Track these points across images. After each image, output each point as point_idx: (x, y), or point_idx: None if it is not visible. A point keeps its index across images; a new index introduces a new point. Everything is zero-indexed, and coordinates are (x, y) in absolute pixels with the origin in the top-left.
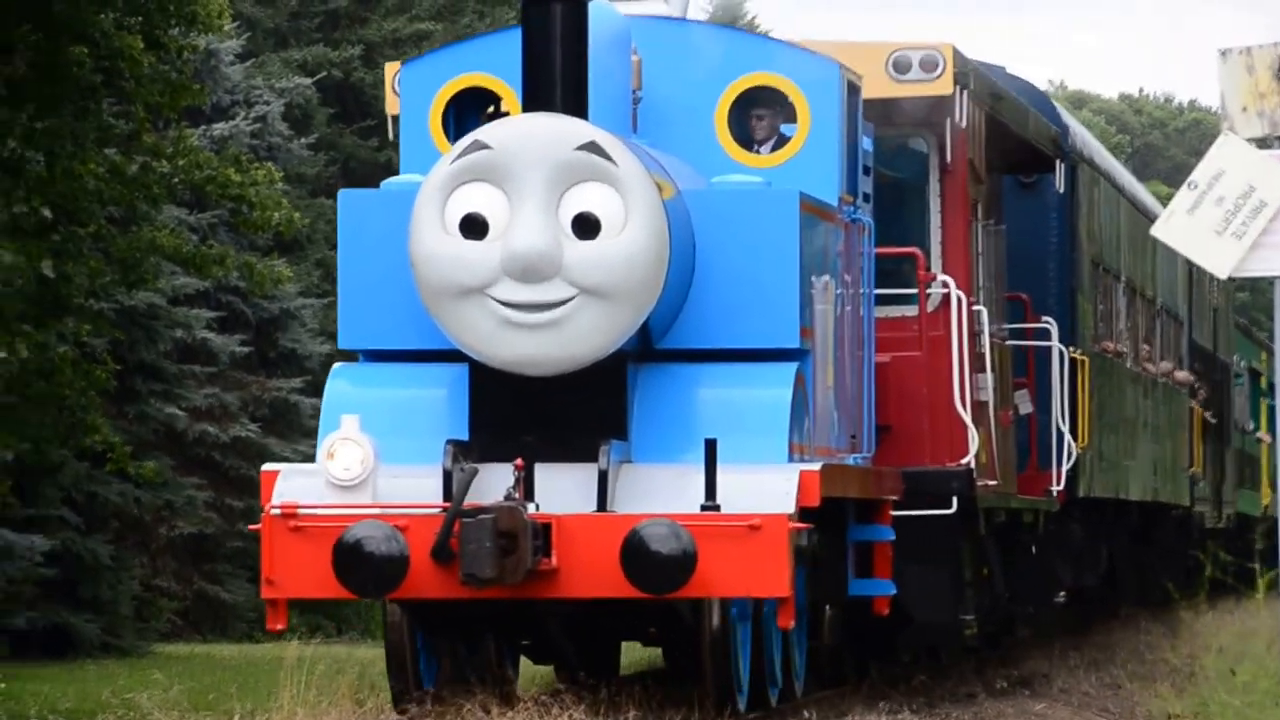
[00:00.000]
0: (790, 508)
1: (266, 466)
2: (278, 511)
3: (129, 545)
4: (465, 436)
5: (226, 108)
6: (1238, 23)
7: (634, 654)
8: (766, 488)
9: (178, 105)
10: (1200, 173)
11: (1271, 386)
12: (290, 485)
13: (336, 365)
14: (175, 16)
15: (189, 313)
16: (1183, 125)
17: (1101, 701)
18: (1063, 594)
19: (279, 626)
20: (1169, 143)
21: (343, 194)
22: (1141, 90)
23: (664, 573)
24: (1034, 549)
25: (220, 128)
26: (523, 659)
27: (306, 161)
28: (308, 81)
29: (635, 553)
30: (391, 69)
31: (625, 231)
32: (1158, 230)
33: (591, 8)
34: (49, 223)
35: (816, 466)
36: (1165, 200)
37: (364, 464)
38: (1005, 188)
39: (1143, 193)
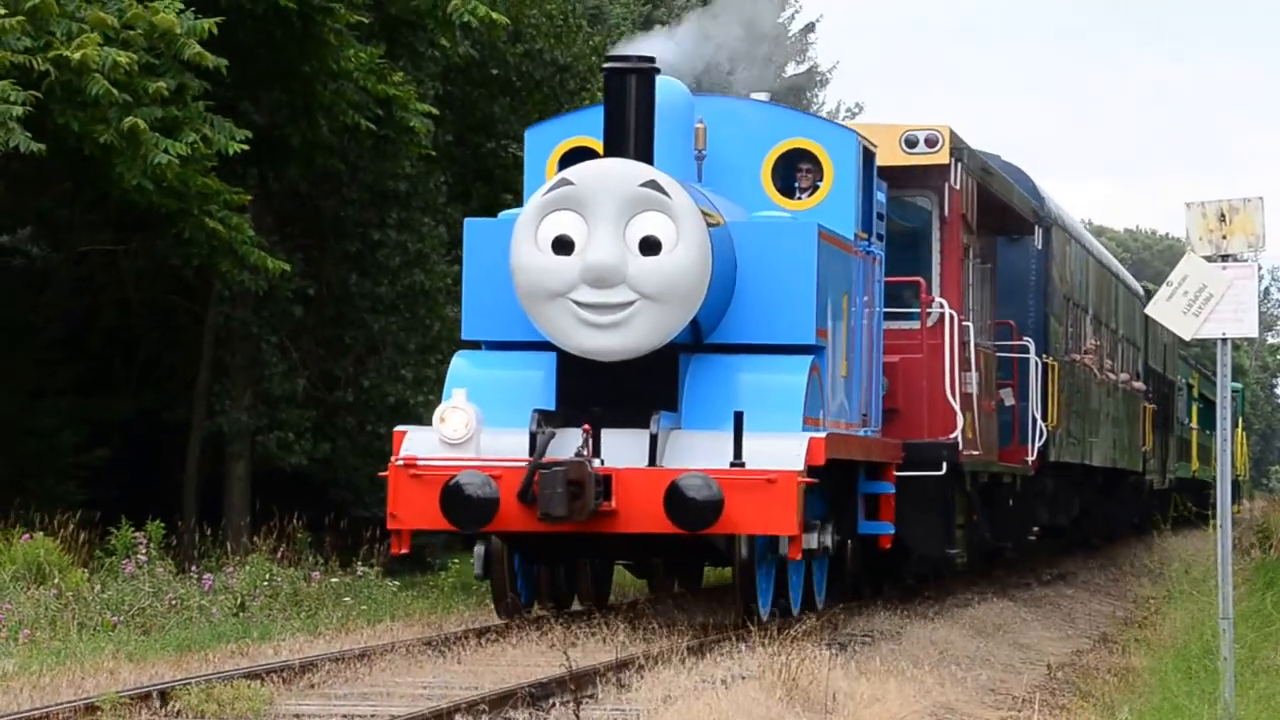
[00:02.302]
0: (800, 466)
1: (398, 428)
2: (401, 462)
3: None
4: (552, 407)
5: None
6: (1195, 182)
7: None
8: (782, 450)
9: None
10: (1174, 276)
11: (1202, 396)
12: (413, 442)
13: (458, 351)
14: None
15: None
16: (1162, 248)
17: (1108, 589)
18: (1036, 530)
19: (402, 550)
20: (1154, 257)
21: (468, 222)
22: (1138, 225)
23: (697, 514)
24: (1012, 501)
25: None
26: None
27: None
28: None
29: (675, 498)
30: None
31: (676, 250)
32: (1150, 310)
33: (663, 83)
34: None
35: (822, 435)
36: (1151, 292)
37: (468, 426)
38: (998, 242)
39: (1104, 253)
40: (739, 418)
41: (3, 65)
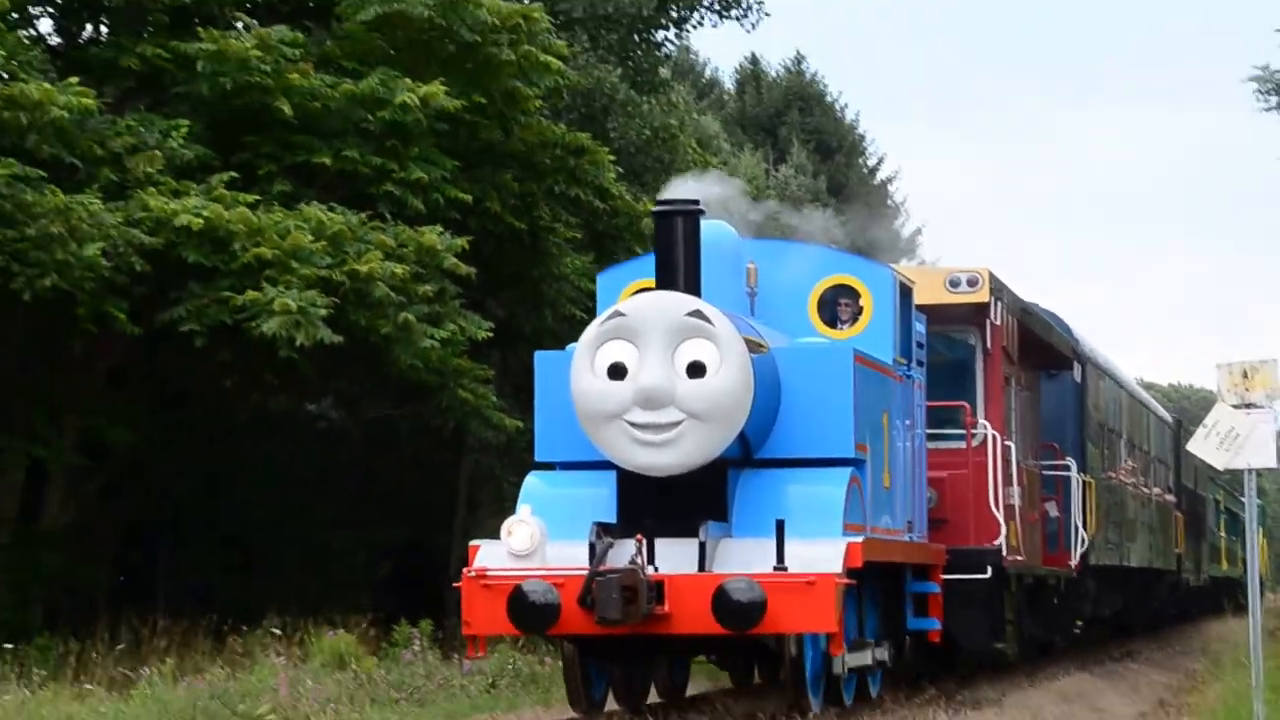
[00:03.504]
0: (838, 568)
1: (472, 542)
2: (473, 574)
3: None
4: (614, 520)
5: None
6: (1221, 343)
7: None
8: (821, 555)
9: None
10: (1209, 420)
11: (1228, 509)
12: (484, 554)
13: (531, 471)
14: None
15: None
16: (1198, 398)
17: (1165, 664)
18: (1080, 624)
19: (477, 655)
20: (1192, 405)
21: (537, 355)
22: (1178, 381)
23: (743, 615)
24: (1056, 600)
25: None
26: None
27: None
28: None
29: (722, 600)
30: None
31: (720, 373)
32: (1190, 447)
33: (715, 226)
34: None
35: (860, 540)
36: (1188, 428)
37: (533, 539)
38: (1040, 376)
39: (1135, 388)
40: (780, 525)
41: (312, 278)
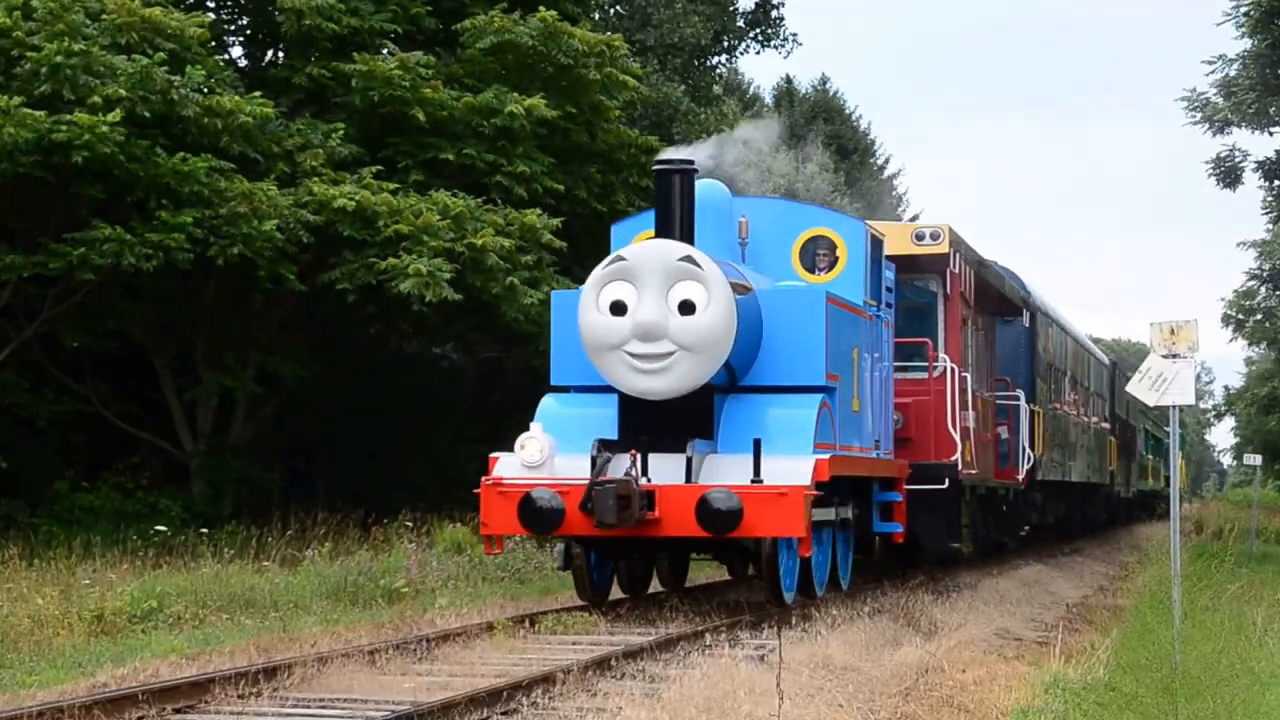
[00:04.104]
0: (807, 481)
1: (492, 454)
2: (490, 482)
3: None
4: (615, 437)
5: None
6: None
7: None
8: (792, 469)
9: None
10: (1143, 367)
11: (1153, 435)
12: (501, 465)
13: (548, 394)
14: None
15: None
16: (1135, 349)
17: (1104, 558)
18: (1026, 529)
19: (494, 552)
20: (1130, 355)
21: (553, 294)
22: (1120, 336)
23: (722, 521)
24: (1005, 508)
25: None
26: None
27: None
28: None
29: (704, 508)
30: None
31: (708, 311)
32: (1129, 388)
33: (710, 185)
34: None
35: (827, 456)
36: (1130, 369)
37: (543, 452)
38: (996, 321)
39: (1079, 333)
40: (757, 444)
41: (438, 249)
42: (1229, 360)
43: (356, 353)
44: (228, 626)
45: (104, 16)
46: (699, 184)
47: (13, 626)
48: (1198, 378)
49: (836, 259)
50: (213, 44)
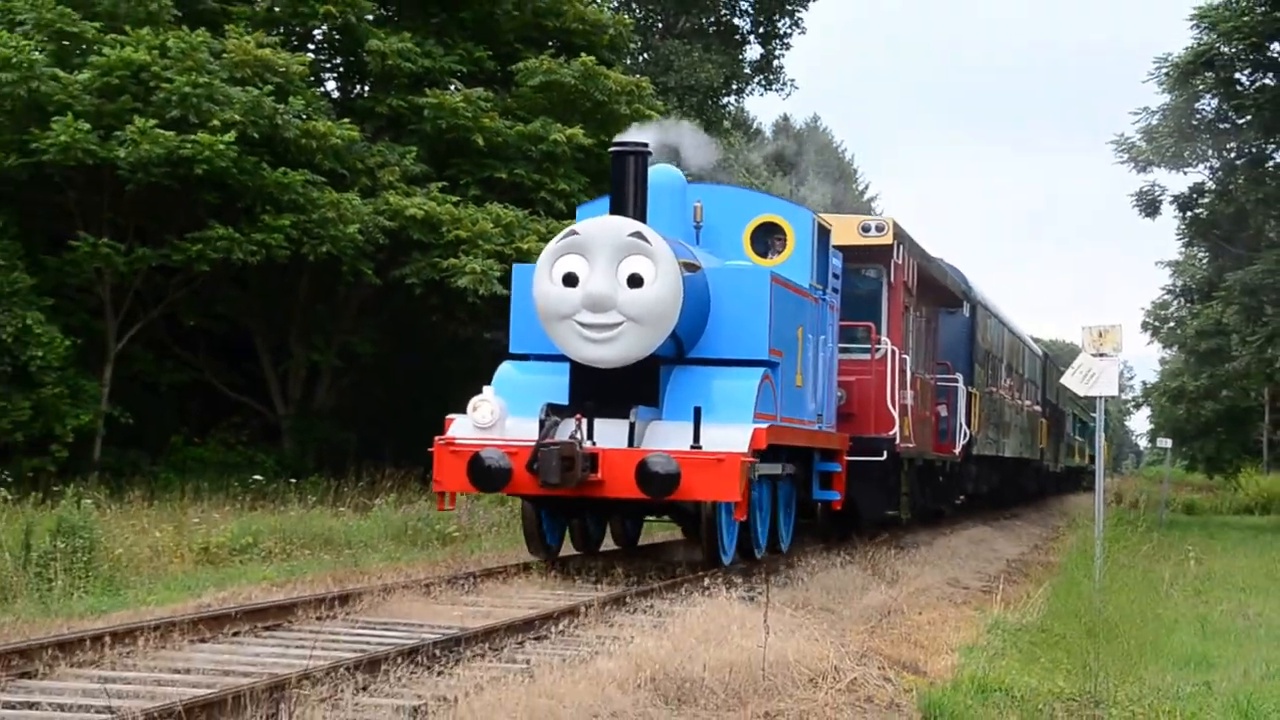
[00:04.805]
0: (744, 448)
1: (448, 415)
2: (443, 441)
3: None
4: (565, 402)
5: None
6: (1082, 310)
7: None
8: (730, 437)
9: None
10: (1075, 363)
11: (1080, 420)
12: (456, 426)
13: (505, 360)
14: None
15: None
16: (1068, 348)
17: (1040, 522)
18: (962, 497)
19: (446, 508)
20: (1063, 353)
21: (515, 267)
22: (1056, 337)
23: (660, 484)
24: (942, 479)
25: None
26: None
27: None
28: None
29: (643, 472)
30: None
31: (655, 284)
32: (1063, 381)
33: (665, 170)
34: None
35: (764, 426)
36: (1058, 366)
37: (493, 414)
38: (940, 311)
39: (1017, 327)
40: (698, 412)
41: (491, 251)
42: (1147, 360)
43: (421, 336)
44: (309, 560)
45: (224, 55)
46: (656, 168)
47: (135, 555)
48: (1121, 374)
49: (784, 244)
50: (311, 79)
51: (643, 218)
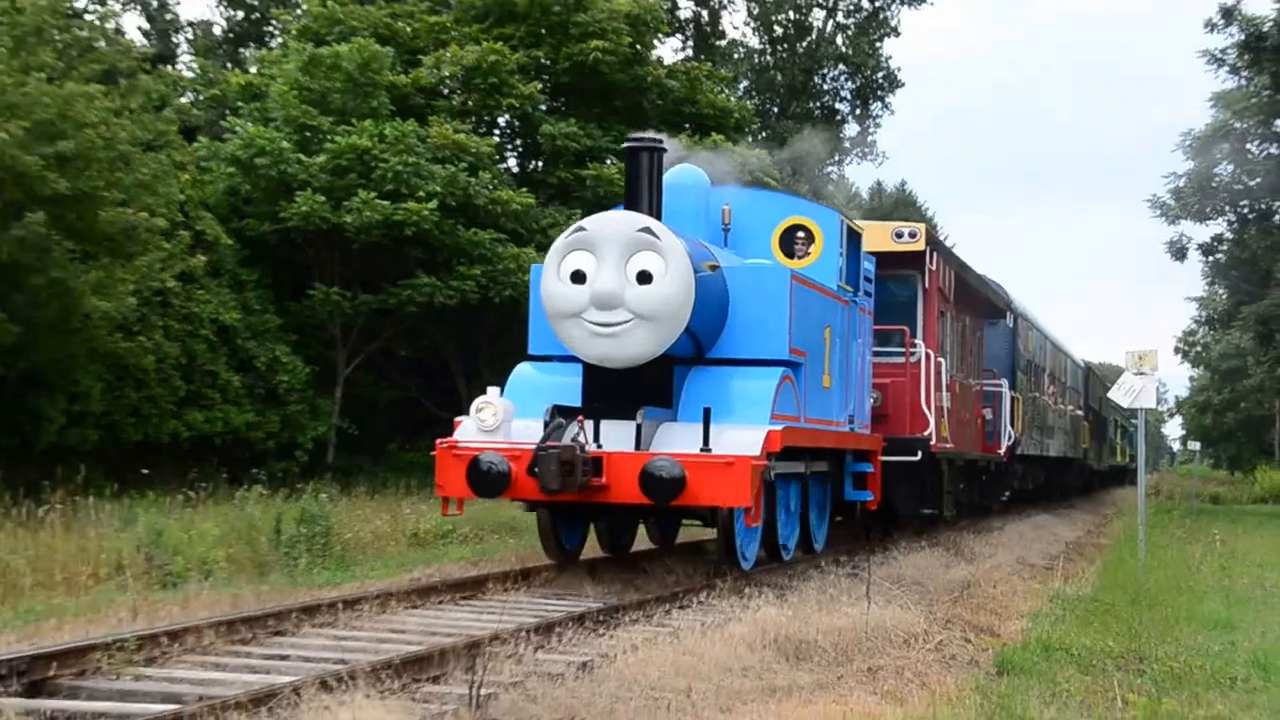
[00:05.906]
0: (756, 452)
1: (457, 418)
2: (445, 444)
3: None
4: (579, 404)
5: None
6: (1129, 334)
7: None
8: (743, 439)
9: None
10: (1120, 381)
11: (1120, 425)
12: (462, 428)
13: (523, 362)
14: None
15: None
16: (1114, 369)
17: (1091, 511)
18: (1007, 494)
19: (446, 513)
20: (1108, 374)
21: (533, 268)
22: (1103, 360)
23: (664, 489)
24: (985, 478)
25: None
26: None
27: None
28: None
29: (647, 476)
30: None
31: (665, 280)
32: (1110, 395)
33: (689, 170)
34: None
35: (780, 428)
36: (1104, 382)
37: (497, 416)
38: (985, 322)
39: (1056, 337)
40: (707, 413)
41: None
42: (1179, 378)
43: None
44: (498, 544)
45: (428, 140)
46: (678, 168)
47: (360, 539)
48: (1157, 389)
49: (812, 246)
50: (497, 158)
51: (657, 214)
